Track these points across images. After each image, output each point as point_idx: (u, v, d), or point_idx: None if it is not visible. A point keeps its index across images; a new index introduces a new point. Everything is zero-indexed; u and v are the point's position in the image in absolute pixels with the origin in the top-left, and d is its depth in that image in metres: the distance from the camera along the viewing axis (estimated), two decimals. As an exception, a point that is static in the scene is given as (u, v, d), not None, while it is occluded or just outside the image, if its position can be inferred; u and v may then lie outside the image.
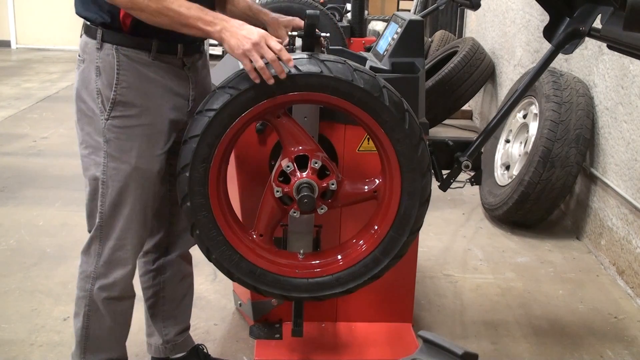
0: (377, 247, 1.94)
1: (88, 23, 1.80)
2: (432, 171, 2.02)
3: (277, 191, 1.89)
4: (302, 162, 1.89)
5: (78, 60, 1.84)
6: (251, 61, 1.69)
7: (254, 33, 1.70)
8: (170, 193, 2.05)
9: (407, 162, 1.84)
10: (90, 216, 1.89)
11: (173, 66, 1.84)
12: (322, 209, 1.92)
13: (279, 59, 1.70)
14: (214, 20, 1.70)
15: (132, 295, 1.98)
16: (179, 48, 1.83)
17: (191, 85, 1.90)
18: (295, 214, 1.92)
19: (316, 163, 1.88)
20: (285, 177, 1.90)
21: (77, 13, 1.82)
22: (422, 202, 1.90)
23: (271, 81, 1.71)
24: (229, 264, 1.91)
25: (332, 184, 1.89)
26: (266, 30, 2.18)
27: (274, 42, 1.71)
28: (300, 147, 1.88)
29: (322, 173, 1.89)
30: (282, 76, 1.71)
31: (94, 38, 1.77)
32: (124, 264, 1.89)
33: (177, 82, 1.86)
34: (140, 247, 1.94)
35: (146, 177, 1.84)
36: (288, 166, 1.88)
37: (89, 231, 1.91)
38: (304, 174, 1.87)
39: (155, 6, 1.66)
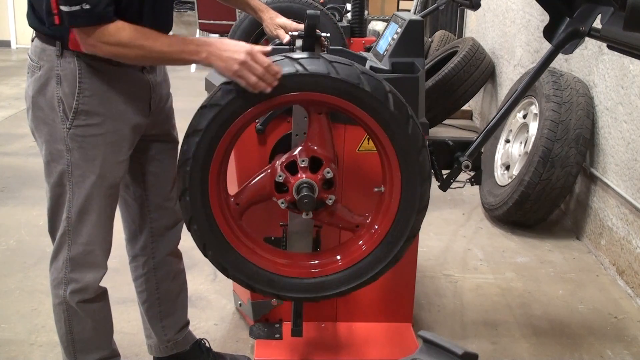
0: (373, 251, 1.94)
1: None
2: (432, 175, 2.02)
3: (282, 203, 1.90)
4: (293, 168, 1.89)
5: (32, 66, 1.78)
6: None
7: (240, 52, 1.68)
8: (147, 194, 2.05)
9: (408, 168, 1.84)
10: (54, 220, 1.88)
11: (133, 70, 1.82)
12: (328, 172, 1.89)
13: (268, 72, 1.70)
14: (198, 48, 1.69)
15: (105, 292, 1.98)
16: None
17: (151, 86, 1.89)
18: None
19: (304, 161, 1.88)
20: (282, 187, 1.91)
21: (31, 26, 1.77)
22: (420, 209, 1.90)
23: (268, 89, 1.71)
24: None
25: (328, 173, 1.88)
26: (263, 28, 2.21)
27: (261, 57, 1.69)
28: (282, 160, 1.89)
29: (316, 167, 1.89)
30: (274, 83, 1.70)
31: (53, 45, 1.73)
32: (95, 268, 1.90)
33: (138, 86, 1.85)
34: (109, 249, 1.94)
35: (111, 183, 1.84)
36: (280, 175, 1.88)
37: (51, 234, 1.91)
38: (297, 176, 1.88)
39: (139, 52, 1.66)
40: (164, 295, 2.19)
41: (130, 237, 2.14)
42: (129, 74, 1.81)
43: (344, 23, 4.26)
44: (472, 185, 2.27)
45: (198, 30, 8.39)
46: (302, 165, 1.87)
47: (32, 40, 1.79)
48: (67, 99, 1.74)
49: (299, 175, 1.87)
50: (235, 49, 1.69)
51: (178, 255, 2.21)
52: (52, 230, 1.90)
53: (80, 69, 1.73)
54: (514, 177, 3.75)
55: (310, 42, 1.91)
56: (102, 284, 1.95)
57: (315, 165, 1.89)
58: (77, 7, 1.57)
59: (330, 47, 2.15)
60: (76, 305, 1.90)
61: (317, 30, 1.93)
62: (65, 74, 1.73)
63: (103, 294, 1.97)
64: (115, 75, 1.78)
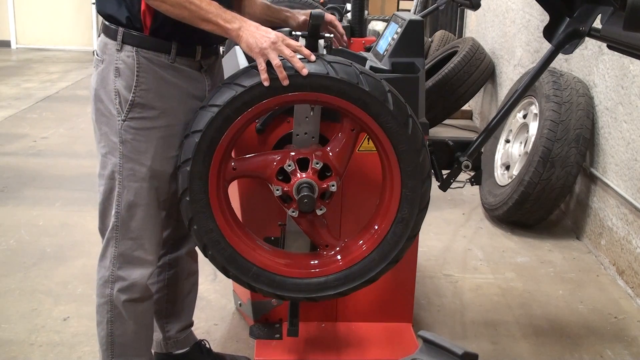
0: (374, 250, 1.94)
1: (107, 23, 1.80)
2: (432, 175, 2.02)
3: (277, 190, 1.89)
4: (286, 175, 1.89)
5: (96, 60, 1.85)
6: (265, 62, 1.72)
7: (272, 33, 1.73)
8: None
9: (408, 167, 1.84)
10: (104, 215, 1.89)
11: (191, 68, 1.84)
12: (333, 185, 1.90)
13: (298, 56, 1.73)
14: (233, 18, 1.73)
15: (152, 295, 1.98)
16: (198, 50, 1.84)
17: (207, 87, 1.91)
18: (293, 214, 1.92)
19: (290, 166, 1.88)
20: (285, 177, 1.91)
21: (98, 10, 1.83)
22: (421, 208, 1.90)
23: (286, 82, 1.72)
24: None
25: (317, 164, 1.88)
26: (287, 24, 2.20)
27: (292, 41, 1.74)
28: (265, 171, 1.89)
29: (304, 166, 1.89)
30: (304, 72, 1.72)
31: (114, 39, 1.78)
32: (143, 264, 1.89)
33: (194, 84, 1.86)
34: (159, 246, 1.93)
35: (161, 178, 1.85)
36: (277, 189, 1.88)
37: (101, 231, 1.91)
38: (304, 174, 1.87)
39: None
40: (173, 292, 2.19)
41: None
42: (186, 71, 1.83)
43: (344, 23, 4.26)
44: (472, 185, 2.27)
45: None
46: (315, 167, 1.88)
47: (99, 36, 1.85)
48: (124, 91, 1.77)
49: (305, 174, 1.87)
50: (268, 30, 1.74)
51: (194, 256, 2.22)
52: (103, 227, 1.90)
53: (139, 63, 1.77)
54: (514, 177, 3.75)
55: (314, 42, 1.91)
56: None
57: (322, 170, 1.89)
58: None
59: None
60: (122, 306, 1.89)
61: (327, 31, 1.94)
62: (123, 68, 1.77)
63: (149, 296, 1.96)
64: (172, 71, 1.80)
